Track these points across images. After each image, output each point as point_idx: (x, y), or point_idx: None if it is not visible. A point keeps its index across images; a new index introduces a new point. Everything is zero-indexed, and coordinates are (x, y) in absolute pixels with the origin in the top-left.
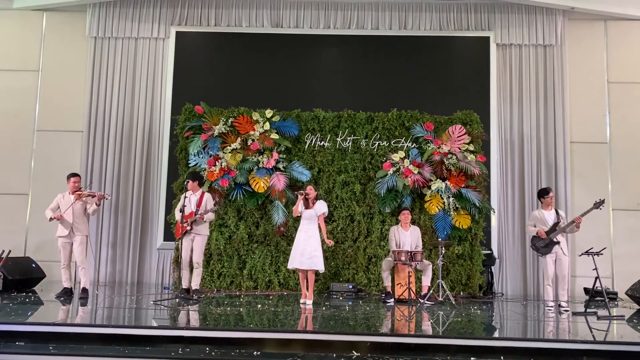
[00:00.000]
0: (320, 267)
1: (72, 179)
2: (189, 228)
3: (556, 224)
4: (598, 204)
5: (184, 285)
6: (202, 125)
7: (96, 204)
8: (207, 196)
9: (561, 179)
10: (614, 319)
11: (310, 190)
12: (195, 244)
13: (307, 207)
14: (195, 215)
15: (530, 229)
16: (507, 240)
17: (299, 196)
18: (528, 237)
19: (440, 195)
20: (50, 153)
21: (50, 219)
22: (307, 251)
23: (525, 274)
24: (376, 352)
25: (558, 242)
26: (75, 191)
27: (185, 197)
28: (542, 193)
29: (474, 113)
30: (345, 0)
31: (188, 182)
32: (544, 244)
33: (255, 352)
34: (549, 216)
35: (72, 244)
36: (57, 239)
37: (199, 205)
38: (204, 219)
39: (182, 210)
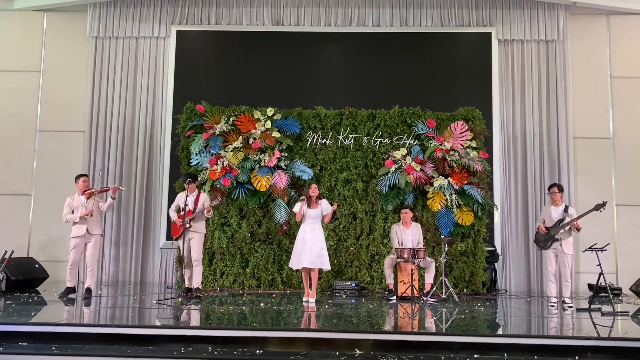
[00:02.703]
0: (329, 266)
1: (82, 179)
2: (188, 226)
3: (560, 221)
4: (599, 206)
5: (187, 284)
6: (204, 124)
7: (111, 197)
8: (204, 195)
9: (564, 174)
10: (618, 315)
11: (315, 190)
12: (192, 243)
13: (309, 206)
14: (193, 213)
15: (538, 224)
16: (510, 236)
17: (301, 202)
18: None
19: (443, 192)
20: (52, 153)
21: (80, 217)
22: (316, 250)
23: (528, 270)
24: (379, 350)
25: (558, 239)
26: (85, 191)
27: (187, 196)
28: (548, 188)
29: (476, 109)
30: None
31: (190, 183)
32: (543, 238)
33: (258, 351)
34: (555, 212)
35: (86, 244)
36: (70, 240)
37: (196, 203)
38: (210, 213)
39: (183, 210)
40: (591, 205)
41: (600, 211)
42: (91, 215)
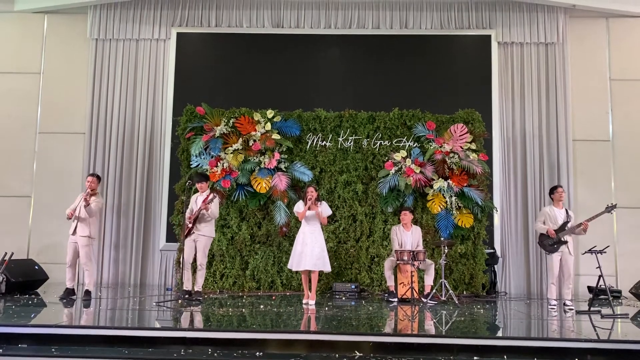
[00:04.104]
0: (329, 267)
1: (87, 178)
2: (190, 226)
3: (565, 224)
4: (610, 208)
5: (186, 287)
6: (204, 126)
7: (85, 201)
8: (211, 195)
9: (564, 177)
10: (617, 317)
11: (313, 192)
12: (198, 245)
13: (309, 207)
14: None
15: (539, 226)
16: (510, 238)
17: (309, 202)
18: (535, 233)
19: (443, 195)
20: (52, 155)
21: (68, 217)
22: (316, 252)
23: (528, 272)
24: (379, 352)
25: (566, 242)
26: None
27: (195, 200)
28: (552, 189)
29: (476, 112)
30: None
31: (200, 183)
32: (552, 242)
33: (257, 353)
34: (560, 214)
35: (76, 243)
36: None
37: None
38: (208, 210)
39: (189, 212)
40: (591, 207)
41: (612, 213)
42: (70, 216)
